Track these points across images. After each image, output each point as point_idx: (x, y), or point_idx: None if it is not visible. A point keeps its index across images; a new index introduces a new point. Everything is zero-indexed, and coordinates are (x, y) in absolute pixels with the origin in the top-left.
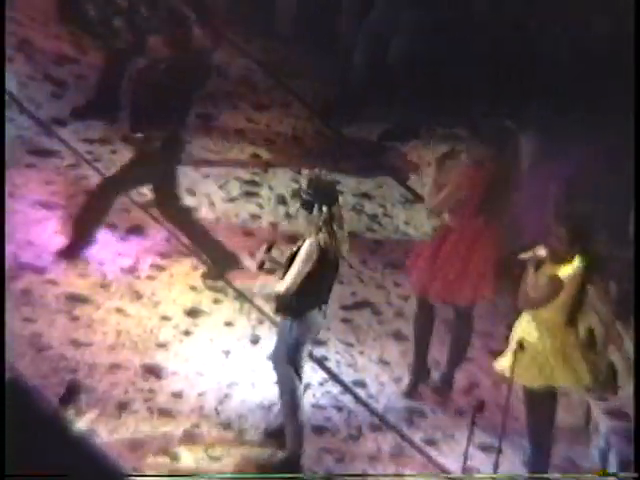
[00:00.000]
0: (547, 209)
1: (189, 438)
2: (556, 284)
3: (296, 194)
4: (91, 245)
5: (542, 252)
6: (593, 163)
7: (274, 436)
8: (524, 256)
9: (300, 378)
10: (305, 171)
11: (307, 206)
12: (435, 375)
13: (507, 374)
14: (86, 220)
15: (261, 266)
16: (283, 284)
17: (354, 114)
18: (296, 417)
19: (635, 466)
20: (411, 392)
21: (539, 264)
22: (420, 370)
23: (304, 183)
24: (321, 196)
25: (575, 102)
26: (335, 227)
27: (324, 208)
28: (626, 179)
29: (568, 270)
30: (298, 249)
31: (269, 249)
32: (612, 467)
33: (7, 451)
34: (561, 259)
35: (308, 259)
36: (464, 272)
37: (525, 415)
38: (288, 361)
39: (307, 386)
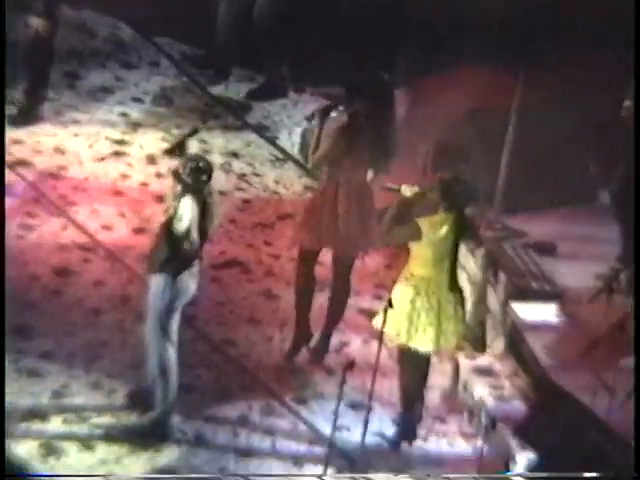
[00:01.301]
0: (416, 164)
1: (58, 399)
2: (413, 230)
3: (175, 175)
4: None
5: (408, 192)
6: (465, 125)
7: (144, 396)
8: (390, 186)
9: (170, 339)
10: (175, 131)
11: (185, 188)
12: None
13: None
14: None
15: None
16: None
17: (221, 73)
18: (166, 378)
19: (635, 466)
20: (293, 355)
21: (406, 204)
22: (302, 333)
23: (183, 164)
24: (200, 177)
25: (445, 63)
26: (209, 202)
27: (202, 187)
28: (495, 142)
29: (432, 222)
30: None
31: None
32: (481, 425)
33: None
34: (430, 211)
35: (192, 211)
36: (353, 229)
37: (398, 373)
38: (159, 323)
39: (177, 345)
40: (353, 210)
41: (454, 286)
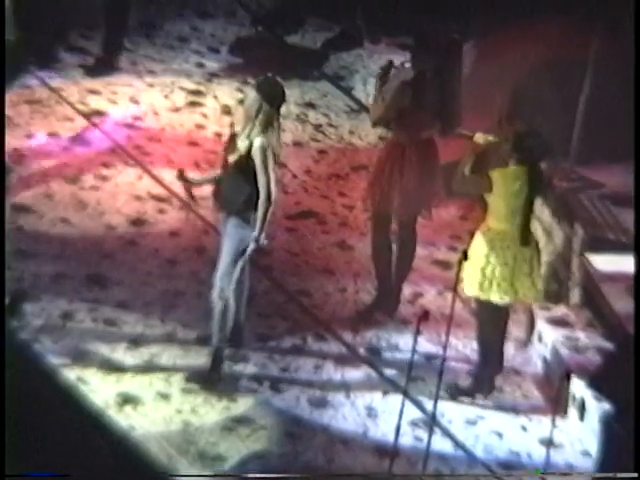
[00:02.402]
0: (490, 118)
1: (134, 348)
2: (484, 182)
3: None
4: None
5: (481, 139)
6: (539, 76)
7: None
8: (464, 132)
9: (237, 277)
10: (251, 81)
11: (254, 104)
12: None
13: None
14: None
15: (191, 196)
16: (264, 195)
17: (298, 22)
18: (226, 311)
19: (635, 466)
20: (371, 313)
21: (480, 154)
22: (385, 291)
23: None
24: (268, 96)
25: (521, 14)
26: (277, 128)
27: (269, 108)
28: (572, 92)
29: (503, 174)
30: (241, 156)
31: (181, 177)
32: (555, 376)
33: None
34: (502, 162)
35: (268, 160)
36: (418, 185)
37: (476, 326)
38: (233, 259)
39: (252, 295)
40: (415, 168)
41: (530, 240)
